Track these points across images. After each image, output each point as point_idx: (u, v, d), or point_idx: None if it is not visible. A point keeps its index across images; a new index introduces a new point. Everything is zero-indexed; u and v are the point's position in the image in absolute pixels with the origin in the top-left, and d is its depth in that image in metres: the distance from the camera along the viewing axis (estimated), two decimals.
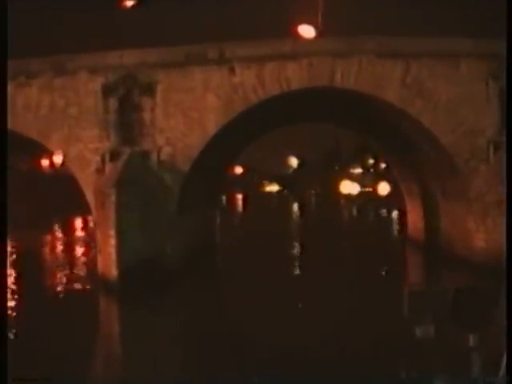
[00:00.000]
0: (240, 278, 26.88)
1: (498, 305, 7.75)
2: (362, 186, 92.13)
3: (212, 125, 25.29)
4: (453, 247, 28.35)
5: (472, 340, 7.60)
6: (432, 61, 25.28)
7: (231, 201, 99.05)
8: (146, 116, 25.36)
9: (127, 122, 25.47)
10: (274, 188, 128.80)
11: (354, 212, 68.70)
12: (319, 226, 51.35)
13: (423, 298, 8.24)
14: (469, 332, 7.60)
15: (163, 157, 25.26)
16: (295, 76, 25.18)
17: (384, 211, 62.05)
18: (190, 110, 25.32)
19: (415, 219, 35.78)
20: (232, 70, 25.21)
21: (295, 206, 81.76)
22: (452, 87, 25.04)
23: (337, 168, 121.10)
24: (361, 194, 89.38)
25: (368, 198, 79.78)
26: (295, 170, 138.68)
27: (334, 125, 35.63)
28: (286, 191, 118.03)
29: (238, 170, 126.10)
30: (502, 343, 7.07)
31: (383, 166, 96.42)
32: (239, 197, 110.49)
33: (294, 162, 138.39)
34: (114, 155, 25.34)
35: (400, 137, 28.72)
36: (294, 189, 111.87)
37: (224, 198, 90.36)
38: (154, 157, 25.23)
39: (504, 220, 20.11)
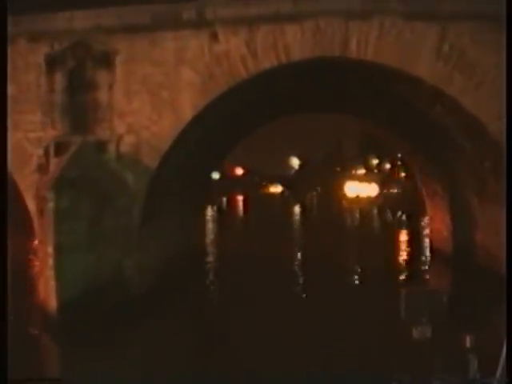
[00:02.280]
0: (233, 305, 19.85)
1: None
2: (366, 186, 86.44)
3: (188, 107, 18.90)
4: (496, 266, 21.47)
5: (469, 341, 7.38)
6: (475, 24, 18.63)
7: (231, 203, 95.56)
8: (102, 96, 19.04)
9: (77, 104, 19.34)
10: (275, 189, 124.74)
11: (360, 216, 62.75)
12: (324, 231, 45.71)
13: (420, 300, 8.07)
14: (466, 333, 7.52)
15: (124, 149, 18.87)
16: (296, 43, 18.73)
17: (398, 215, 56.09)
18: (159, 87, 18.92)
19: (439, 226, 29.16)
20: (214, 36, 18.85)
21: (297, 209, 76.65)
22: (502, 58, 18.23)
23: (339, 169, 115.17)
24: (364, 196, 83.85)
25: (374, 201, 74.35)
26: (297, 171, 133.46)
27: (344, 113, 28.61)
28: (287, 192, 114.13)
29: (239, 171, 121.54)
30: (499, 344, 6.96)
31: (388, 166, 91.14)
32: (239, 198, 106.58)
33: (295, 162, 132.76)
34: (61, 147, 18.96)
35: (428, 124, 21.99)
36: (295, 190, 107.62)
37: (224, 199, 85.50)
38: (111, 149, 18.85)
39: None
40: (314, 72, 19.47)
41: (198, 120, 18.96)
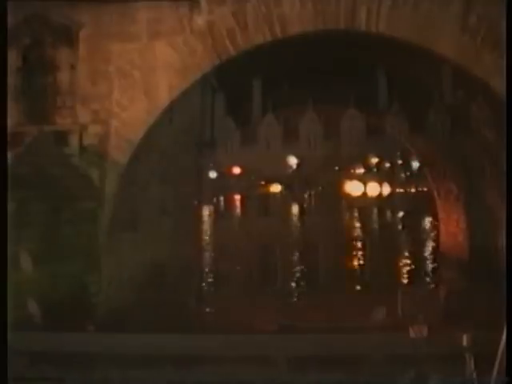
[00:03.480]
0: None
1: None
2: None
3: (164, 90, 15.70)
4: None
5: (465, 340, 7.39)
6: None
7: (229, 202, 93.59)
8: (63, 78, 15.90)
9: (34, 88, 16.03)
10: (273, 189, 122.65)
11: (359, 216, 60.43)
12: (323, 231, 43.55)
13: (416, 299, 9.06)
14: (462, 332, 7.49)
15: (88, 141, 15.61)
16: (294, 14, 15.50)
17: (400, 215, 53.54)
18: (131, 67, 15.68)
19: (453, 230, 25.91)
20: (195, 6, 15.51)
21: (295, 208, 74.33)
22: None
23: (337, 168, 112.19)
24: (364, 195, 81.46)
25: (374, 200, 71.83)
26: (295, 170, 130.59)
27: (348, 101, 25.28)
28: (285, 192, 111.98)
29: (236, 170, 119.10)
30: (495, 343, 6.81)
31: (387, 165, 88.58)
32: (237, 198, 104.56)
33: (293, 161, 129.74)
34: (14, 139, 15.47)
35: (446, 112, 18.87)
36: (294, 189, 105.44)
37: (215, 199, 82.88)
38: (73, 141, 15.61)
39: None
40: (315, 48, 16.23)
41: (177, 106, 15.68)
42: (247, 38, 15.37)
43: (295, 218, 63.96)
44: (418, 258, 29.42)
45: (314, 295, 20.39)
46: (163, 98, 15.46)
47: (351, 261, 29.83)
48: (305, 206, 79.01)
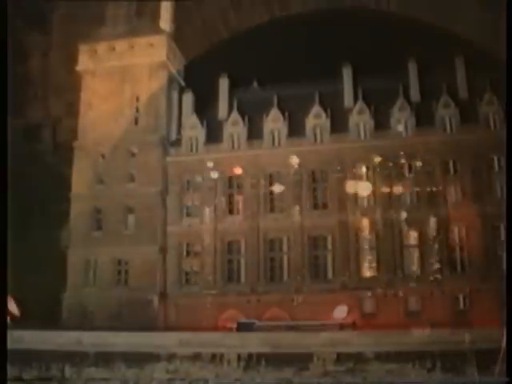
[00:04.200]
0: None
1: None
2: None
3: (147, 78, 13.76)
4: None
5: (467, 338, 7.10)
6: None
7: (230, 203, 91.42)
8: (35, 65, 13.98)
9: (1, 78, 13.95)
10: (275, 188, 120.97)
11: (362, 217, 58.20)
12: (325, 232, 41.58)
13: (422, 297, 10.83)
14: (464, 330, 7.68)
15: (63, 136, 13.87)
16: None
17: (403, 217, 51.50)
18: (110, 52, 13.78)
19: (469, 232, 24.03)
20: None
21: (297, 208, 72.26)
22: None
23: (339, 167, 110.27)
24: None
25: (376, 200, 69.83)
26: (296, 170, 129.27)
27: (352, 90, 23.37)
28: (287, 192, 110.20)
29: (237, 170, 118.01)
30: (498, 342, 6.66)
31: (390, 164, 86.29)
32: (239, 198, 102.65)
33: (294, 160, 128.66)
34: None
35: (460, 100, 17.02)
36: (296, 189, 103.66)
37: (222, 199, 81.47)
38: (45, 136, 13.78)
39: None
40: (317, 30, 14.41)
41: (164, 95, 13.84)
42: (241, 19, 13.64)
43: (297, 219, 62.47)
44: (424, 258, 27.73)
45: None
46: (147, 86, 13.64)
47: (356, 260, 28.27)
48: (307, 205, 77.53)
